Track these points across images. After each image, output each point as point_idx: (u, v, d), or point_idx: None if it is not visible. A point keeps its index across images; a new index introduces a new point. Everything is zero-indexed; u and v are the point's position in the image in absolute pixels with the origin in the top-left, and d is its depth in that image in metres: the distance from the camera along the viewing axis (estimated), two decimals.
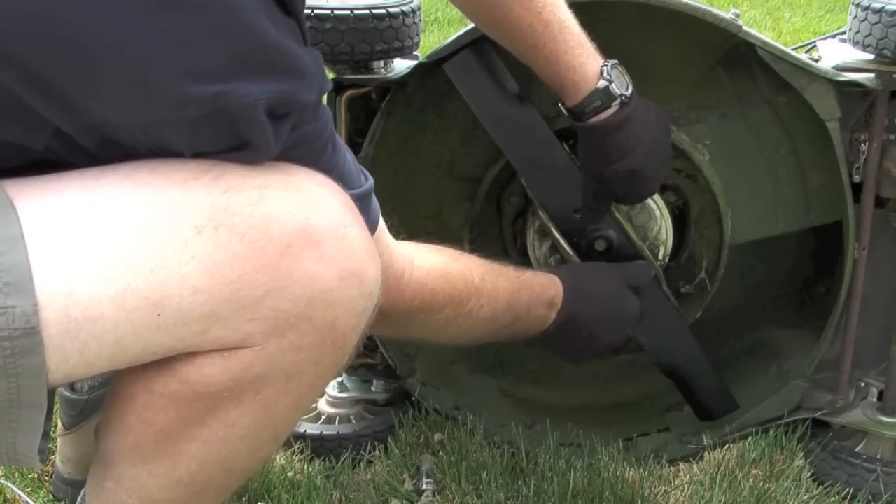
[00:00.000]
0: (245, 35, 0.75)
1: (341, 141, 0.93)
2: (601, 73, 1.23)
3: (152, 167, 0.79)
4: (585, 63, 1.22)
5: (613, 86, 1.23)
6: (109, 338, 0.76)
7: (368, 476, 1.46)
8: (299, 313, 0.80)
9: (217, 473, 0.88)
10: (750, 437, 1.49)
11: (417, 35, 1.44)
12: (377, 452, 1.50)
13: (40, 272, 0.73)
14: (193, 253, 0.76)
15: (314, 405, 1.58)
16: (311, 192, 0.82)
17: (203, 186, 0.78)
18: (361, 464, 1.49)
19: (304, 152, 0.84)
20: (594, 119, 1.25)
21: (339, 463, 1.47)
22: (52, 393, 0.79)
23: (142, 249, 0.76)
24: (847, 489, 1.42)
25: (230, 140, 0.78)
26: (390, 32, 1.38)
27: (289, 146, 0.81)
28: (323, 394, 1.58)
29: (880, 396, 1.48)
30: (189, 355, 0.80)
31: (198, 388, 0.81)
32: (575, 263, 1.41)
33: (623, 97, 1.24)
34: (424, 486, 1.40)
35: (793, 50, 1.42)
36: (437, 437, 1.50)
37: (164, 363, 0.81)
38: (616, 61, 1.25)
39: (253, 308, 0.78)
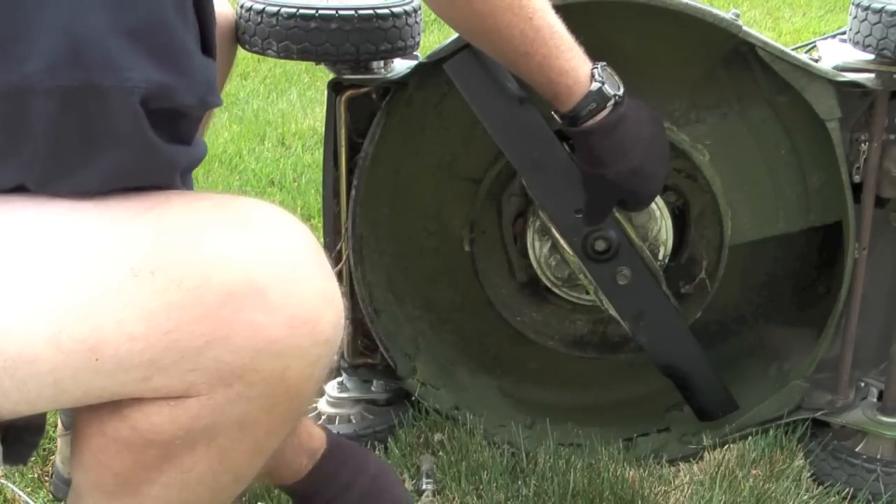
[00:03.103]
0: (143, 9, 0.71)
1: None
2: (593, 75, 1.23)
3: (97, 200, 0.76)
4: (577, 67, 1.22)
5: (606, 86, 1.23)
6: (48, 379, 0.74)
7: None
8: (244, 365, 0.76)
9: None
10: (750, 437, 1.49)
11: (418, 35, 1.44)
12: (377, 452, 1.50)
13: None
14: (129, 298, 0.73)
15: (314, 405, 1.58)
16: (262, 231, 0.77)
17: (144, 225, 0.75)
18: None
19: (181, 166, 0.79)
20: (590, 122, 1.24)
21: None
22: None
23: (77, 291, 0.73)
24: (847, 489, 1.42)
25: (95, 128, 0.73)
26: (394, 32, 1.38)
27: (164, 153, 0.77)
28: (323, 394, 1.58)
29: (880, 396, 1.49)
30: (137, 402, 0.77)
31: (148, 436, 0.79)
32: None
33: (616, 97, 1.23)
34: (424, 486, 1.40)
35: (793, 50, 1.42)
36: (437, 437, 1.50)
37: (115, 408, 0.78)
38: (605, 63, 1.24)
39: (194, 358, 0.75)
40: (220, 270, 0.74)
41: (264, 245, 0.76)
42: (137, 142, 0.75)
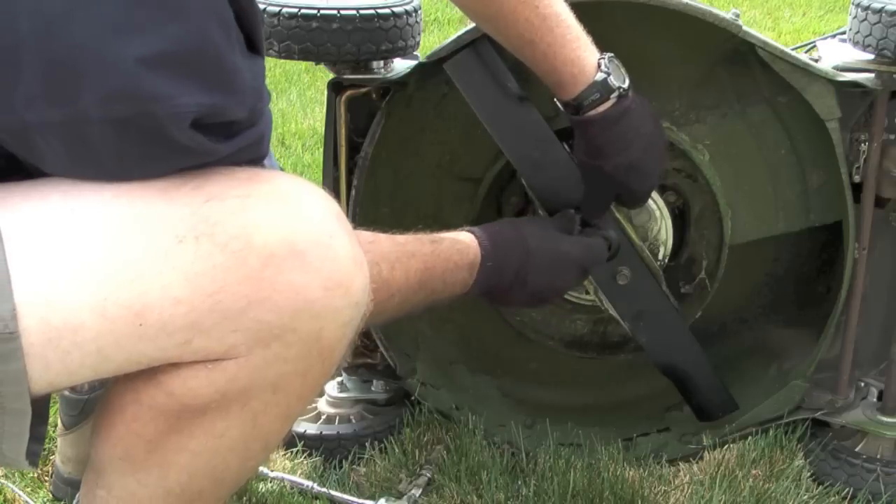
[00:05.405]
0: (189, 36, 0.72)
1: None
2: (598, 65, 1.22)
3: None
4: (583, 56, 1.21)
5: (611, 78, 1.22)
6: (91, 347, 0.75)
7: (365, 474, 1.46)
8: (283, 325, 0.78)
9: (207, 484, 0.87)
10: (750, 437, 1.49)
11: (418, 35, 1.44)
12: (377, 452, 1.50)
13: (19, 278, 0.72)
14: (174, 263, 0.75)
15: (314, 405, 1.58)
16: (296, 200, 0.80)
17: (184, 196, 0.77)
18: (361, 463, 1.49)
19: (248, 157, 0.82)
20: (592, 112, 1.24)
21: (338, 462, 1.47)
22: (41, 400, 0.78)
23: (122, 259, 0.75)
24: (847, 489, 1.42)
25: (155, 145, 0.75)
26: (394, 32, 1.38)
27: (231, 153, 0.79)
28: (323, 393, 1.58)
29: (880, 396, 1.49)
30: (174, 367, 0.79)
31: (184, 401, 0.80)
32: (498, 221, 1.35)
33: (621, 90, 1.23)
34: (422, 472, 1.41)
35: (793, 50, 1.42)
36: (437, 437, 1.50)
37: (151, 375, 0.80)
38: (612, 55, 1.24)
39: (236, 319, 0.77)
40: (262, 233, 0.77)
41: (300, 211, 0.80)
42: (197, 150, 0.77)
